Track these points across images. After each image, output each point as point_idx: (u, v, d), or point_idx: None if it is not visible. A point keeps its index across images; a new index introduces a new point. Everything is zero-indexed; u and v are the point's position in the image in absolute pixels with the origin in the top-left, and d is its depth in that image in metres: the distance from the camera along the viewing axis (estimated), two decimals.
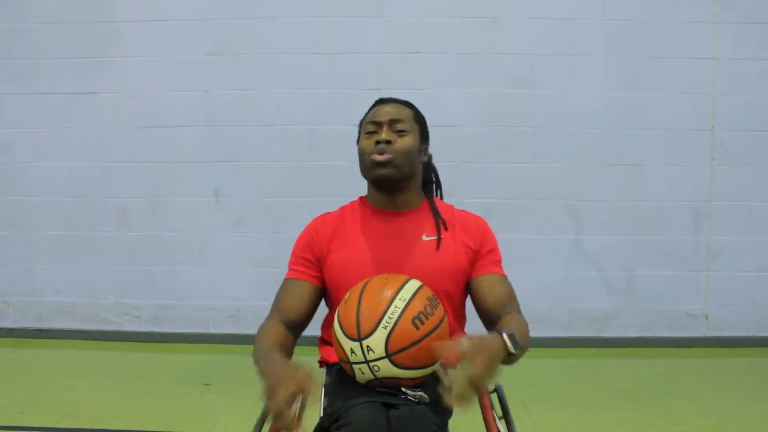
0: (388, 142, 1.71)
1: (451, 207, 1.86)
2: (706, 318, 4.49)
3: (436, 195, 1.93)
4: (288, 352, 1.63)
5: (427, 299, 1.51)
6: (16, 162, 4.59)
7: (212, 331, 4.54)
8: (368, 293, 1.51)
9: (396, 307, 1.46)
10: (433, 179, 1.93)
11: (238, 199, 4.49)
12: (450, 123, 4.27)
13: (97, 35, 4.49)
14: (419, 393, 1.50)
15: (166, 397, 3.50)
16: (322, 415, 1.52)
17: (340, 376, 1.65)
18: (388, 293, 1.49)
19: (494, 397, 1.74)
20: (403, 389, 1.50)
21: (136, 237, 4.57)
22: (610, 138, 4.40)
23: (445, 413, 1.63)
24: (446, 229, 1.77)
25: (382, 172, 1.71)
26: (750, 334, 4.49)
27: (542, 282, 4.40)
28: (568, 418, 3.21)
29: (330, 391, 1.65)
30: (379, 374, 1.46)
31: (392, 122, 1.75)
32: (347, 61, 4.37)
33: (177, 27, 4.46)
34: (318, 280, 1.75)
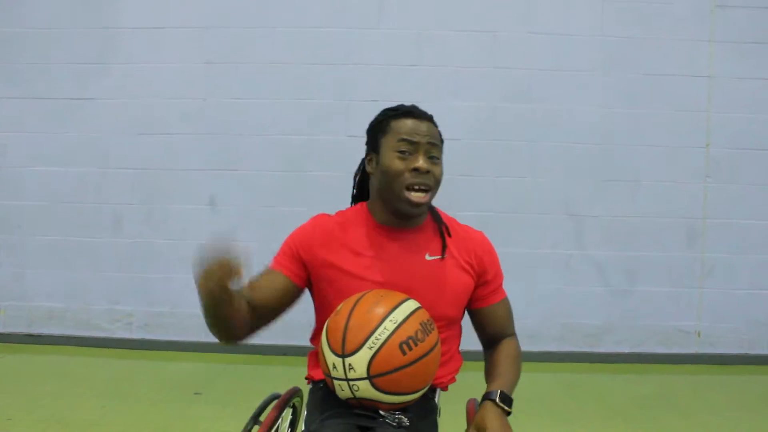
0: (428, 172, 1.62)
1: (454, 220, 1.79)
2: (699, 335, 4.50)
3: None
4: (239, 310, 1.51)
5: (420, 324, 1.44)
6: (12, 166, 4.58)
7: (204, 339, 4.51)
8: (360, 309, 1.44)
9: (385, 328, 1.40)
10: None
11: (233, 207, 4.49)
12: (448, 136, 4.22)
13: (97, 41, 4.50)
14: (398, 416, 1.47)
15: (156, 405, 3.47)
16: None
17: (323, 394, 1.61)
18: (380, 311, 1.42)
19: None
20: (381, 412, 1.46)
21: (130, 244, 4.55)
22: (607, 153, 4.42)
23: None
24: (450, 236, 1.71)
25: (416, 211, 1.64)
26: (743, 351, 4.50)
27: (536, 296, 4.41)
28: None
29: (312, 408, 1.65)
30: (358, 394, 1.41)
31: (429, 146, 1.65)
32: (345, 72, 4.38)
33: (176, 35, 4.47)
34: (300, 280, 1.66)
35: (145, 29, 4.47)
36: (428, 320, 1.48)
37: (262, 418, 1.59)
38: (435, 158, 1.66)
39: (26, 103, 4.55)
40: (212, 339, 4.75)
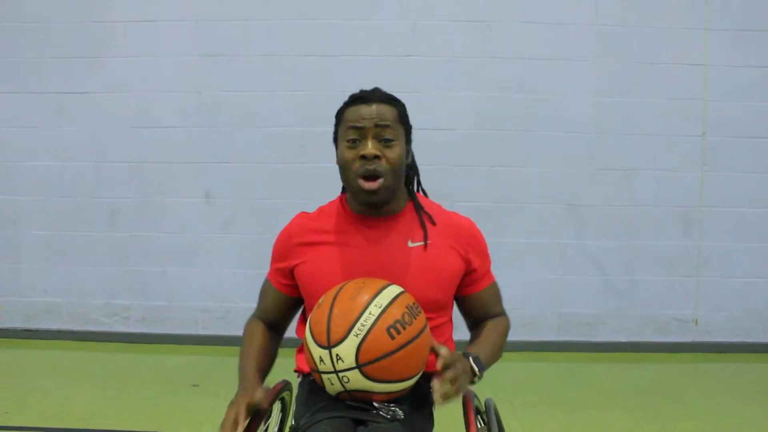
0: (377, 157, 1.54)
1: (439, 207, 1.73)
2: (696, 323, 4.51)
3: (417, 190, 1.77)
4: (268, 354, 1.66)
5: (407, 307, 1.39)
6: (7, 161, 4.57)
7: (202, 332, 4.53)
8: (342, 297, 1.40)
9: (370, 314, 1.34)
10: (414, 174, 1.78)
11: (229, 200, 4.48)
12: (442, 126, 4.28)
13: (91, 35, 4.48)
14: (393, 408, 1.42)
15: (155, 397, 3.48)
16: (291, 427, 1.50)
17: (312, 387, 1.58)
18: (364, 298, 1.37)
19: (483, 405, 1.71)
20: (375, 404, 1.41)
21: (127, 237, 4.55)
22: (602, 142, 4.42)
23: (423, 429, 1.56)
24: (434, 224, 1.65)
25: (372, 200, 1.57)
26: (739, 339, 4.51)
27: (532, 286, 4.41)
28: (558, 421, 3.20)
29: (300, 403, 1.63)
30: (349, 386, 1.35)
31: (378, 129, 1.56)
32: (340, 63, 4.36)
33: (170, 28, 4.45)
34: (290, 289, 1.69)
35: (138, 23, 4.45)
36: (414, 304, 1.43)
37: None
38: (389, 140, 1.56)
39: (21, 98, 4.53)
40: (209, 331, 4.79)
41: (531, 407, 3.36)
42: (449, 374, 1.36)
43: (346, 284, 1.45)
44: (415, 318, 1.39)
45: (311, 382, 1.59)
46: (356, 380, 1.34)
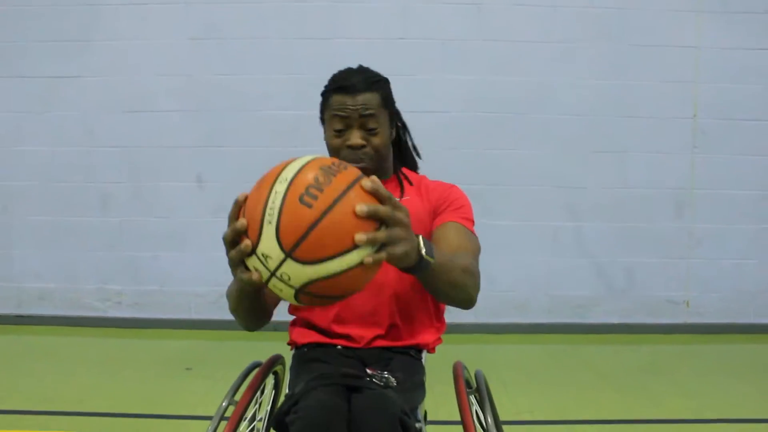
0: (363, 146, 1.63)
1: (423, 177, 1.80)
2: (688, 305, 4.54)
3: (415, 160, 1.87)
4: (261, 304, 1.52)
5: (320, 169, 1.11)
6: None
7: (194, 316, 4.52)
8: (251, 192, 1.16)
9: (276, 192, 1.09)
10: (407, 144, 1.84)
11: (220, 184, 4.46)
12: (435, 109, 4.27)
13: (80, 18, 4.43)
14: (386, 376, 1.45)
15: (148, 381, 3.49)
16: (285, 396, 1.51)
17: (306, 357, 1.62)
18: (267, 181, 1.13)
19: (473, 378, 1.72)
20: (368, 371, 1.44)
21: (119, 222, 4.53)
22: (594, 125, 4.42)
23: (414, 398, 1.59)
24: (411, 184, 1.73)
25: None
26: (730, 321, 4.54)
27: (525, 268, 4.41)
28: (550, 401, 3.23)
29: (296, 372, 1.64)
30: (296, 283, 1.08)
31: (362, 119, 1.63)
32: (332, 46, 4.34)
33: (161, 11, 4.42)
34: None
35: (128, 5, 4.41)
36: (333, 164, 1.15)
37: (243, 387, 1.58)
38: (373, 129, 1.64)
39: (9, 81, 4.50)
40: (202, 315, 4.77)
41: (523, 387, 3.38)
42: (382, 234, 1.10)
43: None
44: (335, 175, 1.11)
45: (305, 353, 1.62)
46: (297, 273, 1.07)
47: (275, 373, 1.73)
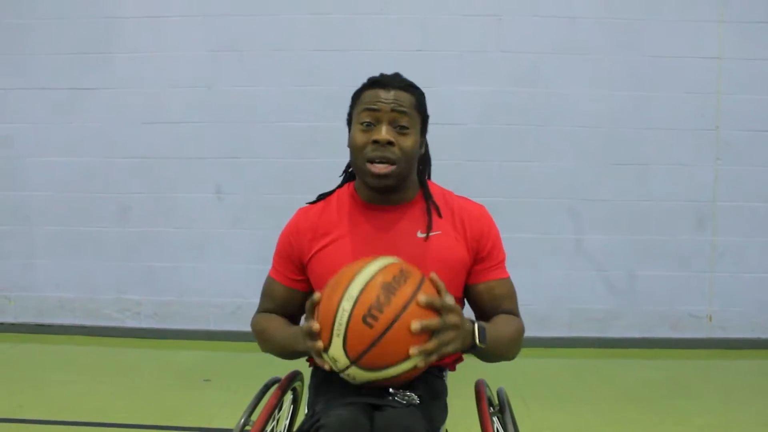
0: (390, 143, 1.52)
1: (450, 194, 1.71)
2: (710, 319, 4.47)
3: (428, 177, 1.77)
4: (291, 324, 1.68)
5: (382, 287, 1.30)
6: (18, 157, 4.58)
7: (213, 327, 4.53)
8: (324, 297, 1.36)
9: (344, 309, 1.29)
10: (426, 166, 1.78)
11: (239, 195, 4.47)
12: (453, 121, 4.26)
13: (100, 31, 4.48)
14: (408, 394, 1.42)
15: (166, 392, 3.49)
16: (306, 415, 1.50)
17: (327, 375, 1.56)
18: (336, 295, 1.32)
19: (495, 395, 1.70)
20: (391, 390, 1.41)
21: (138, 233, 4.55)
22: (614, 137, 4.38)
23: (437, 418, 1.56)
24: (440, 216, 1.63)
25: (382, 183, 1.55)
26: (754, 335, 4.46)
27: (544, 282, 4.38)
28: (570, 417, 3.19)
29: (315, 389, 1.62)
30: (357, 381, 1.34)
31: (394, 114, 1.54)
32: (350, 58, 4.34)
33: (179, 23, 4.44)
34: (298, 284, 1.68)
35: (147, 18, 4.44)
36: (394, 278, 1.32)
37: (262, 404, 1.57)
38: (404, 128, 1.55)
39: (31, 93, 4.54)
40: (220, 326, 4.80)
41: (543, 403, 3.34)
42: (432, 344, 1.29)
43: (333, 278, 1.39)
44: (393, 294, 1.29)
45: (325, 371, 1.58)
46: (359, 374, 1.32)
47: (293, 389, 1.71)
